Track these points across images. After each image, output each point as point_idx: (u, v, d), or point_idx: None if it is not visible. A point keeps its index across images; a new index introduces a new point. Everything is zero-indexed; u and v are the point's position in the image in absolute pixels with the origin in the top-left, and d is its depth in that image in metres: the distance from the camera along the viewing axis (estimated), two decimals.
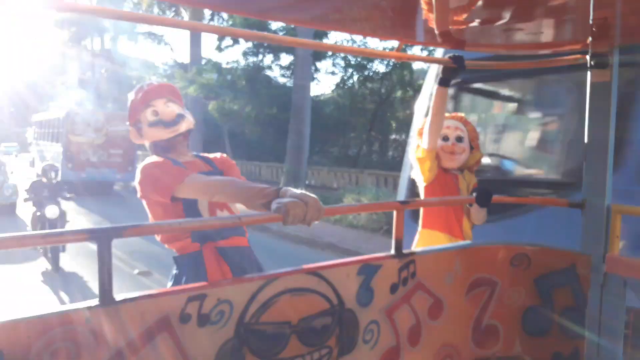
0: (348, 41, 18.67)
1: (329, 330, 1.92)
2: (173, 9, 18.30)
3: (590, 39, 2.21)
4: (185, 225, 1.75)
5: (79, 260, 7.63)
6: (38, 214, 7.31)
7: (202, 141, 19.99)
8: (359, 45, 17.56)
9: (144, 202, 2.10)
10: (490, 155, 4.65)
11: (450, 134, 2.87)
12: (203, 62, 22.01)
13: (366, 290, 2.05)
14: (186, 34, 21.38)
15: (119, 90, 25.97)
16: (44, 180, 7.48)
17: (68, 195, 7.78)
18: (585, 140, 2.34)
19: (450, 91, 3.90)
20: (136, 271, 7.12)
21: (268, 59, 23.14)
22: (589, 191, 2.34)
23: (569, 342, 2.37)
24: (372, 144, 23.86)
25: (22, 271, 7.29)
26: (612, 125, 2.28)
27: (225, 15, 19.30)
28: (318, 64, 22.59)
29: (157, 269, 7.60)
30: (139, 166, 2.09)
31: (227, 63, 25.44)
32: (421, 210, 2.97)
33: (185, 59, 24.87)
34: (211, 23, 21.21)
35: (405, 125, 18.37)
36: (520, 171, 4.62)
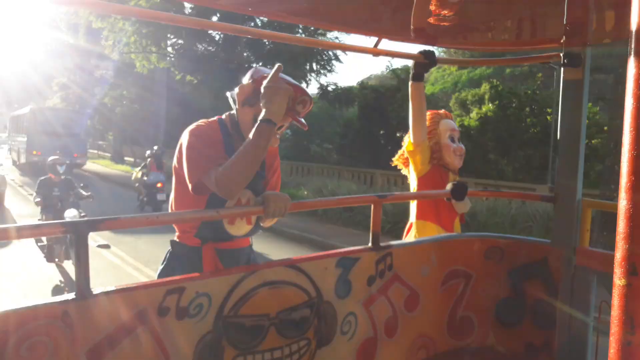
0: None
1: (308, 322, 1.94)
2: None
3: (563, 37, 2.26)
4: (163, 219, 1.75)
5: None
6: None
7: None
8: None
9: (174, 166, 1.97)
10: None
11: (456, 135, 2.97)
12: None
13: (344, 283, 2.07)
14: None
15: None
16: (52, 177, 6.75)
17: (85, 194, 6.87)
18: (558, 136, 2.40)
19: None
20: (96, 245, 7.49)
21: None
22: (560, 186, 2.40)
23: (541, 332, 2.44)
24: None
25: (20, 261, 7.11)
26: (583, 121, 2.34)
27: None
28: None
29: (115, 244, 8.07)
30: (190, 128, 1.93)
31: None
32: (415, 201, 3.03)
33: None
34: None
35: None
36: None
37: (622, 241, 0.59)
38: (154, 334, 1.56)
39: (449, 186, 2.72)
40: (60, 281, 6.15)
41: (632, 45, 0.58)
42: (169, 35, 19.91)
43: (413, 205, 2.99)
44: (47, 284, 6.08)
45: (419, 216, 2.96)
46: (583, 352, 2.27)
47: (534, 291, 2.47)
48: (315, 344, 1.98)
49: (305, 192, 12.82)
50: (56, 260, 6.47)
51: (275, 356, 1.84)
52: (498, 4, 1.99)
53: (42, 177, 6.85)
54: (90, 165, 25.20)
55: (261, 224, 2.04)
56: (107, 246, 7.92)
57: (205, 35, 20.38)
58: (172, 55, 20.20)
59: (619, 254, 0.59)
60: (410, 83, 2.76)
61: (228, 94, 2.03)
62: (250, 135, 1.77)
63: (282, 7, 2.13)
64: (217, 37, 20.78)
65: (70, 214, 6.38)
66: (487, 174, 14.82)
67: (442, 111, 3.06)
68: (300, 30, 17.47)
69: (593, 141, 13.55)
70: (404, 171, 3.09)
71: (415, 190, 2.94)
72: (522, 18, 2.22)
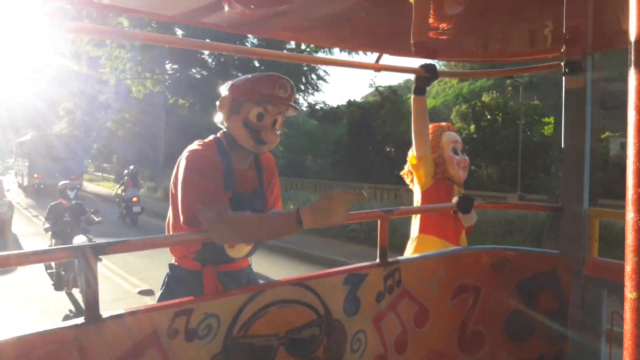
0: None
1: (317, 340, 1.93)
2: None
3: (564, 46, 2.27)
4: (171, 240, 1.75)
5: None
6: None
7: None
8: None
9: (171, 190, 1.91)
10: None
11: (459, 147, 2.96)
12: None
13: (353, 300, 2.06)
14: None
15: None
16: (63, 202, 6.60)
17: (97, 219, 6.72)
18: (562, 146, 2.40)
19: None
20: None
21: None
22: (567, 196, 2.39)
23: (552, 344, 2.41)
24: None
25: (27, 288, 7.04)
26: (587, 130, 2.34)
27: None
28: None
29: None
30: (187, 151, 1.87)
31: None
32: (418, 215, 3.01)
33: None
34: None
35: None
36: None
37: (632, 254, 0.58)
38: (164, 357, 1.56)
39: (454, 199, 2.71)
40: (70, 310, 6.00)
41: (632, 57, 0.58)
42: (164, 61, 20.48)
43: (416, 220, 2.98)
44: (56, 313, 5.97)
45: (421, 230, 2.93)
46: None
47: (543, 303, 2.45)
48: None
49: (292, 206, 13.12)
50: (65, 288, 6.34)
51: None
52: (497, 15, 2.00)
53: (53, 203, 6.68)
54: (95, 188, 26.30)
55: None
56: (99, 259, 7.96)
57: (199, 60, 21.29)
58: (165, 80, 20.64)
59: (629, 266, 0.59)
60: (412, 97, 2.77)
61: (215, 119, 1.99)
62: (276, 212, 1.70)
63: (284, 25, 2.16)
64: (210, 61, 21.62)
65: (79, 241, 6.13)
66: (467, 185, 15.52)
67: (444, 124, 3.06)
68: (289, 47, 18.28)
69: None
70: (410, 185, 3.08)
71: (419, 204, 2.93)
72: (521, 28, 2.24)
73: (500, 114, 18.14)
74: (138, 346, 1.51)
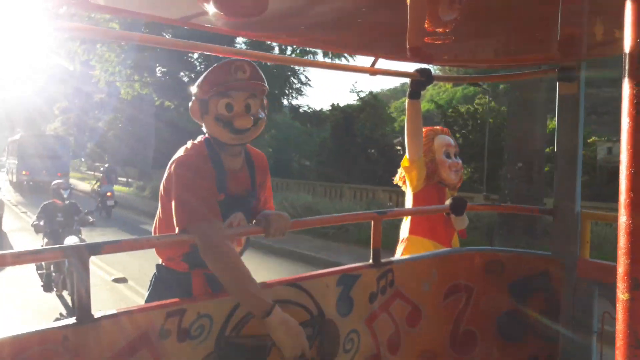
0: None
1: (310, 340, 1.93)
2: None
3: (558, 53, 2.29)
4: (164, 241, 1.74)
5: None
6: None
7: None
8: None
9: (161, 193, 1.91)
10: None
11: (452, 151, 2.95)
12: None
13: (346, 300, 2.07)
14: None
15: None
16: (57, 202, 6.46)
17: (91, 219, 6.63)
18: (555, 149, 2.42)
19: None
20: None
21: None
22: (559, 198, 2.41)
23: (544, 345, 2.43)
24: None
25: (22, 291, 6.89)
26: (580, 134, 2.36)
27: None
28: None
29: None
30: (175, 158, 1.85)
31: None
32: (409, 217, 3.01)
33: None
34: None
35: None
36: None
37: (624, 256, 0.59)
38: (156, 357, 1.55)
39: (448, 201, 2.72)
40: (60, 314, 5.81)
41: (626, 66, 0.59)
42: (153, 64, 20.79)
43: (406, 221, 2.98)
44: (48, 314, 5.81)
45: (412, 232, 2.94)
46: None
47: (536, 304, 2.47)
48: None
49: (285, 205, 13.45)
50: (54, 290, 6.23)
51: None
52: (492, 21, 2.02)
53: (46, 202, 6.53)
54: (85, 186, 26.22)
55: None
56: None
57: (187, 63, 22.12)
58: (154, 83, 20.84)
59: (621, 268, 0.60)
60: (406, 101, 2.78)
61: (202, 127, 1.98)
62: (250, 286, 1.66)
63: (279, 28, 2.16)
64: (197, 65, 22.12)
65: (71, 242, 5.97)
66: None
67: (438, 127, 3.07)
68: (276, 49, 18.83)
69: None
70: (403, 188, 3.08)
71: (410, 206, 2.94)
72: (517, 34, 2.25)
73: (470, 121, 19.52)
74: (129, 347, 1.50)
